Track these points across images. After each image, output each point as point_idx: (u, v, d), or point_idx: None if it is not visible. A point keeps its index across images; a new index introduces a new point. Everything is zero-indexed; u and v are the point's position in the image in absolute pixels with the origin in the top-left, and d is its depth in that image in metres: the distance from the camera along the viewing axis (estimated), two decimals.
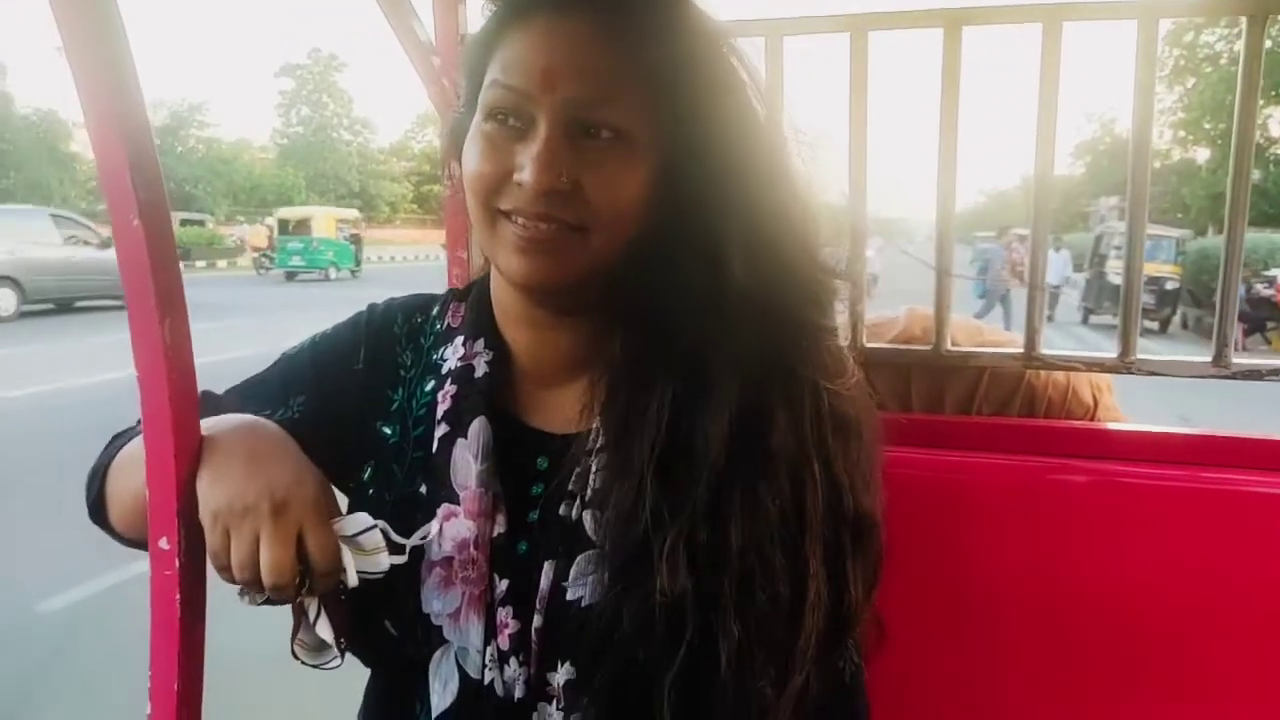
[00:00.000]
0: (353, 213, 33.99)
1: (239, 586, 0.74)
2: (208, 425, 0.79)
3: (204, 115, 54.74)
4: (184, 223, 35.67)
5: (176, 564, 0.76)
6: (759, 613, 0.75)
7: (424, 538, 0.79)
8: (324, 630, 0.75)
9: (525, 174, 0.75)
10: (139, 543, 0.82)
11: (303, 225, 27.82)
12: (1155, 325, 16.12)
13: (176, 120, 52.48)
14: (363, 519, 0.75)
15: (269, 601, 0.74)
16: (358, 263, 29.01)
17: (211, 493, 0.75)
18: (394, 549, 0.76)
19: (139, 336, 0.75)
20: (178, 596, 0.76)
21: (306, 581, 0.74)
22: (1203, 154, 33.38)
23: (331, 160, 58.30)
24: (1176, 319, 17.11)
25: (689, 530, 0.75)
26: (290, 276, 26.86)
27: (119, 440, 0.90)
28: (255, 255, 29.66)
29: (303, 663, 0.78)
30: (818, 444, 0.79)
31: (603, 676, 0.77)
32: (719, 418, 0.76)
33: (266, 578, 0.72)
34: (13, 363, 10.48)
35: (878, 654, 0.89)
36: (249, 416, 0.83)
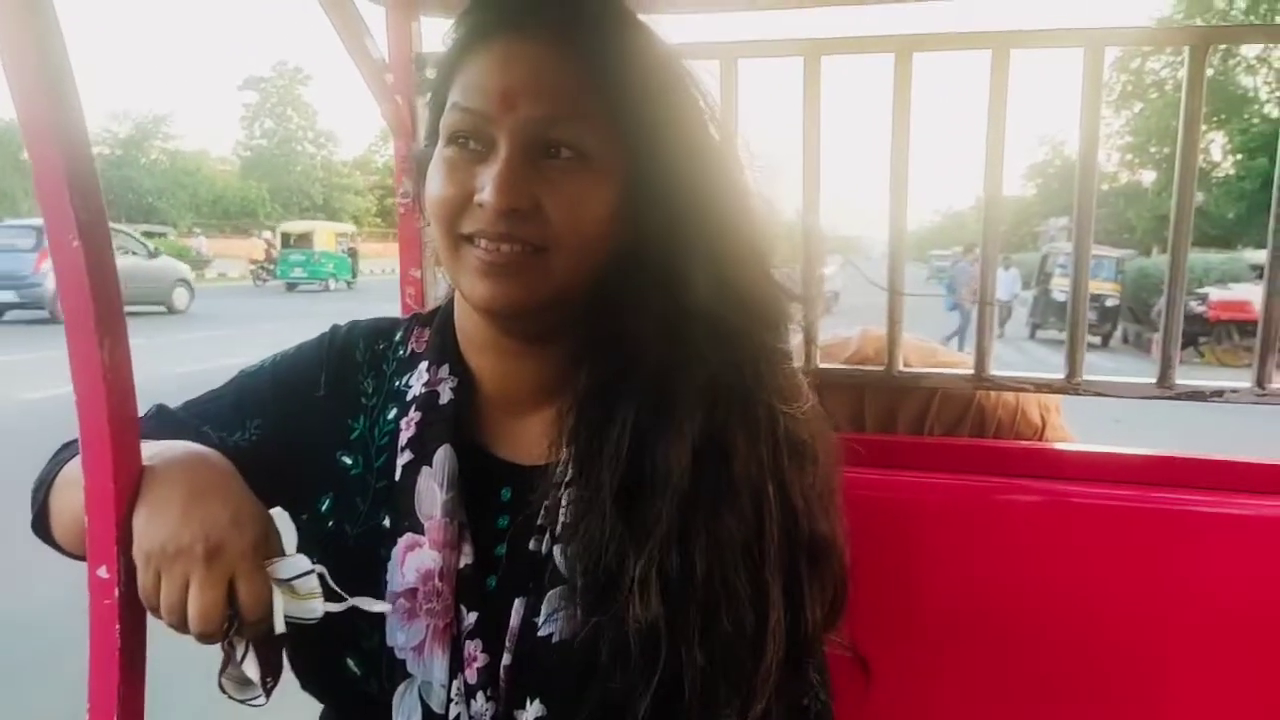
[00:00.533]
0: (350, 227, 35.62)
1: None
2: (152, 454, 0.76)
3: (168, 127, 54.19)
4: (146, 235, 35.58)
5: (116, 593, 0.73)
6: (723, 641, 0.74)
7: (370, 608, 0.75)
8: (250, 669, 0.73)
9: (486, 194, 0.74)
10: (83, 558, 0.78)
11: (304, 239, 28.92)
12: (1098, 340, 16.55)
13: (141, 132, 51.82)
14: (301, 562, 0.73)
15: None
16: (354, 275, 29.95)
17: (146, 532, 0.72)
18: (330, 596, 0.74)
19: (77, 358, 0.73)
20: (118, 626, 0.73)
21: (235, 625, 0.71)
22: (1148, 176, 34.22)
23: (295, 173, 57.77)
24: (1118, 334, 17.63)
25: (659, 557, 0.73)
26: (291, 287, 27.75)
27: (64, 453, 0.86)
28: (253, 266, 30.43)
29: (229, 696, 0.75)
30: (774, 469, 0.78)
31: (582, 712, 0.75)
32: (681, 443, 0.75)
33: (193, 624, 0.70)
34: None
35: (865, 692, 0.87)
36: (195, 447, 0.80)
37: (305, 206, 56.22)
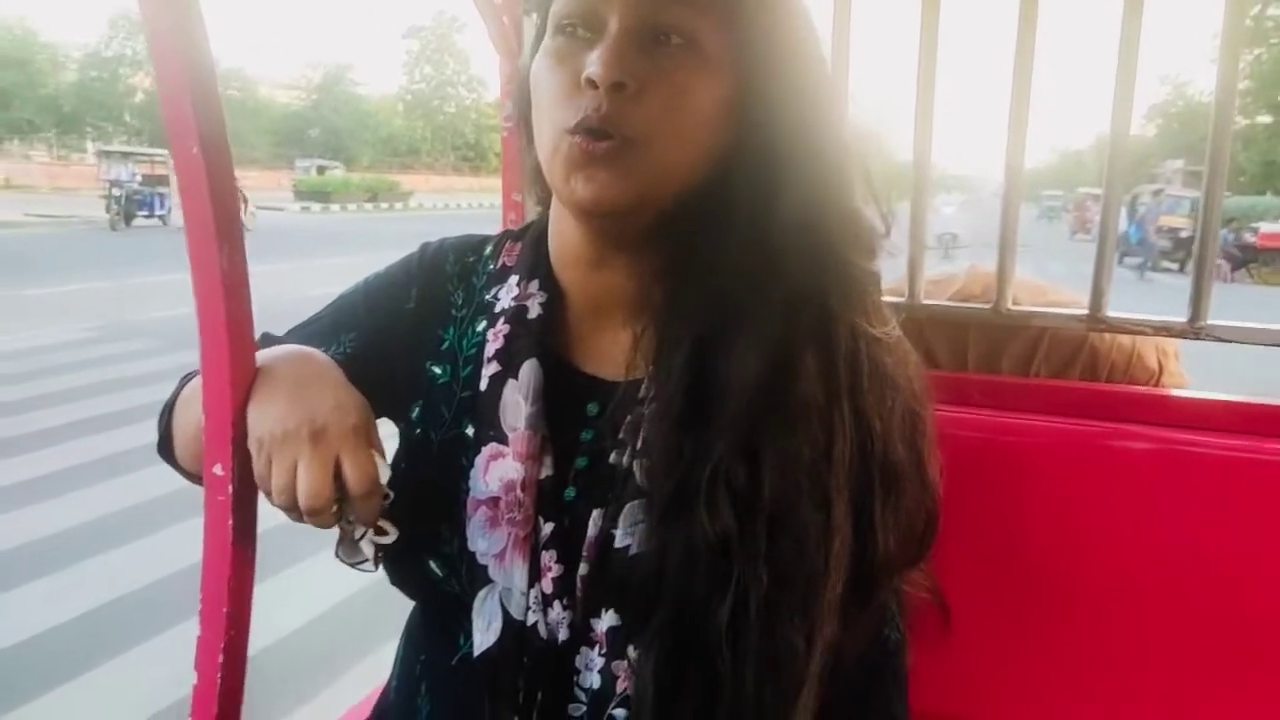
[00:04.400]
0: None
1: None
2: (261, 357, 0.73)
3: (352, 74, 55.88)
4: (319, 169, 37.54)
5: (230, 490, 0.70)
6: (787, 559, 0.66)
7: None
8: (367, 547, 0.71)
9: (593, 68, 0.66)
10: (200, 477, 0.75)
11: None
12: (1175, 266, 17.79)
13: (330, 79, 53.70)
14: (386, 472, 0.69)
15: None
16: None
17: (257, 420, 0.69)
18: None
19: (197, 263, 0.68)
20: (230, 522, 0.70)
21: (343, 505, 0.68)
22: (1264, 121, 31.29)
23: (449, 115, 58.73)
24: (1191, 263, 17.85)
25: (725, 471, 0.66)
26: None
27: (188, 377, 0.84)
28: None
29: (341, 561, 0.73)
30: (851, 389, 0.69)
31: (655, 624, 0.68)
32: (754, 359, 0.67)
33: (303, 501, 0.66)
34: None
35: (944, 636, 0.78)
36: (299, 346, 0.76)
37: (457, 145, 57.35)
